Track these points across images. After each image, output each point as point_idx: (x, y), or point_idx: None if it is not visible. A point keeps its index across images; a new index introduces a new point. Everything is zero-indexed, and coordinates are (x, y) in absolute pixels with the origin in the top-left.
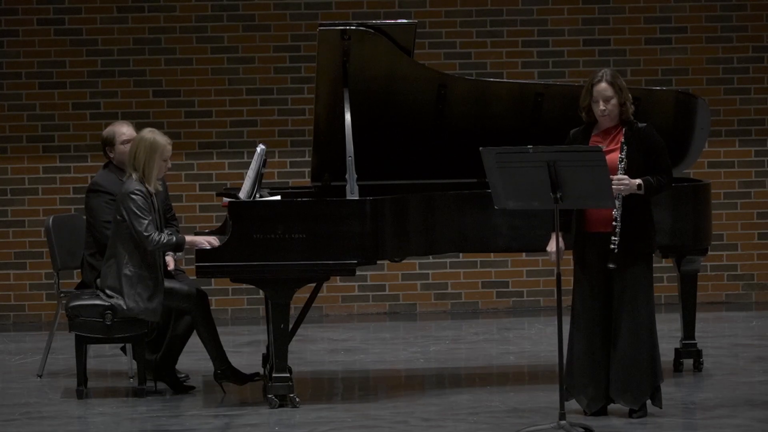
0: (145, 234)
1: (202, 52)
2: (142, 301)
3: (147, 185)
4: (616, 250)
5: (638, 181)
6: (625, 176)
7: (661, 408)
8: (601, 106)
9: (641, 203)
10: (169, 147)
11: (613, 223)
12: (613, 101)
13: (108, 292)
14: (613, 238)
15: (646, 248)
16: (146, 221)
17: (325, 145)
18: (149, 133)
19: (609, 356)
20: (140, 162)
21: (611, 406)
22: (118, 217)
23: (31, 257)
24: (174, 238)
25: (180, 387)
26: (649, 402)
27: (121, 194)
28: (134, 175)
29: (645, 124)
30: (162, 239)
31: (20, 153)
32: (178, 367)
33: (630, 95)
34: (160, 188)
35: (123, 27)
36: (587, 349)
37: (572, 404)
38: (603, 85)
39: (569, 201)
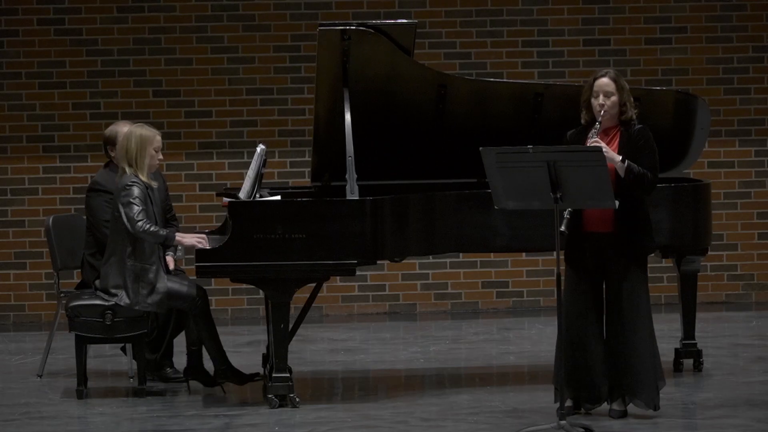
0: (135, 218)
1: (202, 52)
2: (147, 292)
3: (141, 178)
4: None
5: (621, 156)
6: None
7: (659, 409)
8: (600, 100)
9: (638, 203)
10: (159, 138)
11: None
12: (614, 98)
13: (111, 290)
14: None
15: (643, 248)
16: (138, 208)
17: (325, 145)
18: (138, 128)
19: (604, 356)
20: (132, 154)
21: (604, 407)
22: (116, 213)
23: (31, 257)
24: (164, 232)
25: (212, 382)
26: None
27: (118, 189)
28: (128, 170)
29: (641, 126)
30: (149, 227)
31: (20, 153)
32: (176, 365)
33: (632, 98)
34: (154, 184)
35: (123, 27)
36: (580, 350)
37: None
38: (605, 80)
39: (569, 201)
